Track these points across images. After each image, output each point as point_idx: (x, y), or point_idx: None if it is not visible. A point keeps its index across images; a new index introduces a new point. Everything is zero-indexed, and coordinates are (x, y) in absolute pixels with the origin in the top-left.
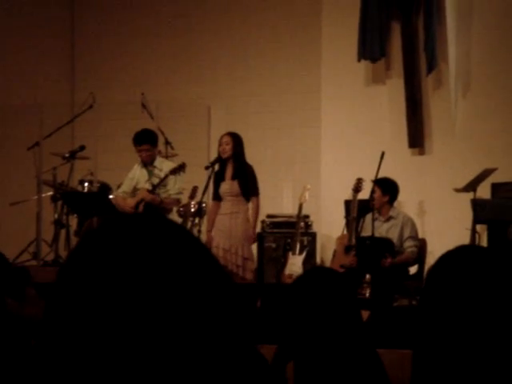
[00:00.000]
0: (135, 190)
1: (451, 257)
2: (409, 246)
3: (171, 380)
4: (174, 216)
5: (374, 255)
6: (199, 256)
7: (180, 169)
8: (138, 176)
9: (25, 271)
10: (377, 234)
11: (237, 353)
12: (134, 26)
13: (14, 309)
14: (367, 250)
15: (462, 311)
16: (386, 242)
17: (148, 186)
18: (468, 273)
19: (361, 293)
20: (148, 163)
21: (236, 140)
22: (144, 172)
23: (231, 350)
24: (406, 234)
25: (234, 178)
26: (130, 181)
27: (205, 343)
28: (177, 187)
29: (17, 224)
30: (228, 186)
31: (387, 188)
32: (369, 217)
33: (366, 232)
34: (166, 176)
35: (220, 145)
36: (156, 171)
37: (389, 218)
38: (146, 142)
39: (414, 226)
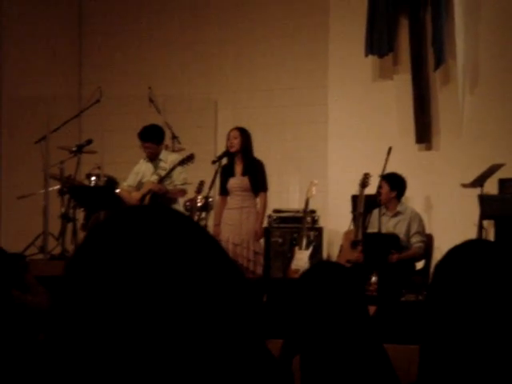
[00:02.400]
0: (140, 184)
1: (459, 251)
2: (416, 241)
3: (179, 371)
4: (181, 209)
5: (381, 251)
6: (208, 247)
7: (188, 159)
8: (143, 170)
9: (21, 258)
10: (384, 229)
11: (245, 346)
12: (141, 21)
13: (18, 298)
14: (374, 246)
15: (470, 306)
16: (392, 238)
17: (154, 179)
18: (476, 267)
19: (368, 289)
20: (153, 158)
21: (244, 135)
22: (149, 166)
23: (239, 344)
24: (414, 229)
25: (244, 173)
26: (135, 175)
27: (213, 336)
28: (182, 177)
29: (24, 217)
30: (238, 181)
31: (395, 183)
32: (376, 212)
33: (373, 227)
34: (174, 167)
35: (228, 139)
36: (161, 164)
37: (396, 213)
38: (151, 140)
39: (421, 221)
